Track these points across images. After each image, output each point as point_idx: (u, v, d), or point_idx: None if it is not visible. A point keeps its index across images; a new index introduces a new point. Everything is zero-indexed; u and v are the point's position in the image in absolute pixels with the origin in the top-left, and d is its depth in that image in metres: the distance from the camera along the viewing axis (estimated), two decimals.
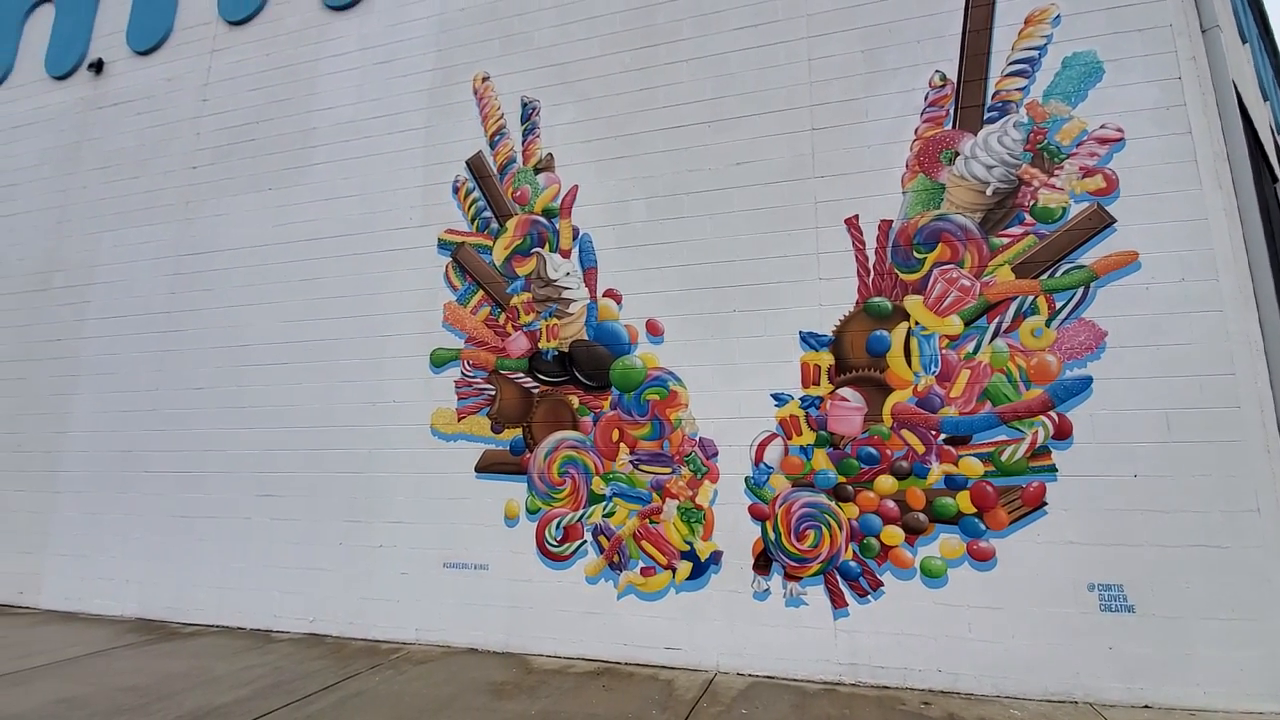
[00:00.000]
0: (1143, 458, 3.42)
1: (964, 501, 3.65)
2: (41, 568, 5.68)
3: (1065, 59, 3.89)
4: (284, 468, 5.08)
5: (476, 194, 5.01)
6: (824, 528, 3.86)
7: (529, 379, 4.63)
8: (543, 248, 4.76)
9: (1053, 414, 3.58)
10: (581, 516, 4.33)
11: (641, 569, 4.15)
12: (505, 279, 4.81)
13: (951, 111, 4.04)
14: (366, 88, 5.50)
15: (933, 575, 3.64)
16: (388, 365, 4.97)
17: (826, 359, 4.00)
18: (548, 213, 4.79)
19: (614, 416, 4.38)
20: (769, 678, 3.74)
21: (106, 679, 3.83)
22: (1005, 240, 3.81)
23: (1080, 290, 3.64)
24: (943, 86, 4.09)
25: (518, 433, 4.57)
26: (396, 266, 5.08)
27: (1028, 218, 3.79)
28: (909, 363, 3.86)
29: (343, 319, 5.14)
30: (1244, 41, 6.39)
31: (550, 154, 4.88)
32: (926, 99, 4.10)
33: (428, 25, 5.43)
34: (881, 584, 3.72)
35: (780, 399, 4.05)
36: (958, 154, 3.98)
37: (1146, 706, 3.22)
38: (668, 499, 4.17)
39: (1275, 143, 6.80)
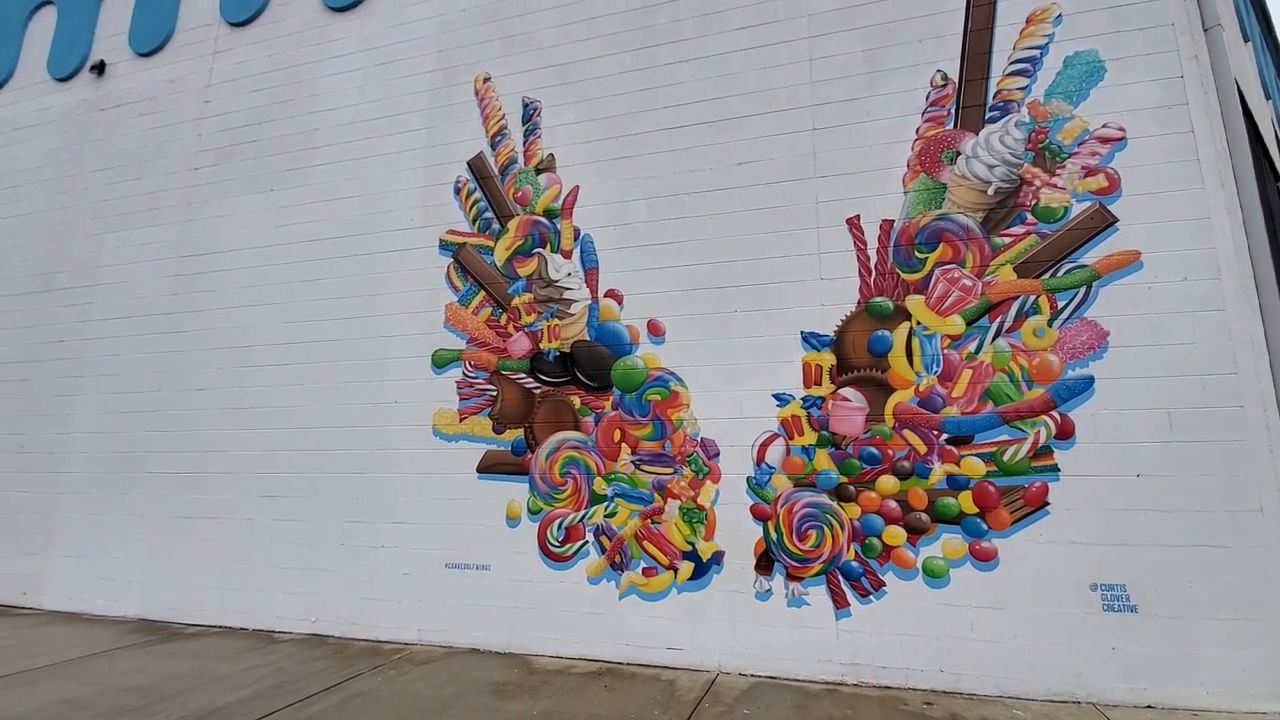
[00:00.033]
0: (1145, 457, 3.41)
1: (966, 501, 3.65)
2: (44, 569, 5.70)
3: (1067, 58, 3.88)
4: (286, 468, 5.09)
5: (478, 195, 5.01)
6: (826, 528, 3.85)
7: (530, 379, 4.63)
8: (544, 248, 4.76)
9: (1055, 414, 3.57)
10: (583, 517, 4.33)
11: (643, 569, 4.15)
12: (507, 280, 4.81)
13: (953, 111, 4.04)
14: (368, 89, 5.51)
15: (935, 575, 3.64)
16: (389, 366, 4.97)
17: (828, 359, 4.00)
18: (549, 213, 4.79)
19: (615, 417, 4.38)
20: (771, 678, 3.74)
21: (109, 679, 3.84)
22: (1007, 240, 3.81)
23: (1082, 290, 3.63)
24: (944, 86, 4.08)
25: (519, 433, 4.57)
26: (398, 267, 5.09)
27: (1029, 217, 3.79)
28: (911, 362, 3.85)
29: (344, 320, 5.15)
30: (1246, 40, 6.38)
31: (551, 154, 4.88)
32: (928, 98, 4.09)
33: (429, 26, 5.44)
34: (884, 584, 3.72)
35: (782, 399, 4.04)
36: (959, 153, 3.97)
37: (1149, 706, 3.21)
38: (669, 499, 4.17)
39: (1277, 141, 6.79)
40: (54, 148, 6.69)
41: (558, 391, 4.55)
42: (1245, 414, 3.32)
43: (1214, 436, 3.34)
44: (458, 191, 5.06)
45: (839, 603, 3.76)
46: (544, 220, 4.80)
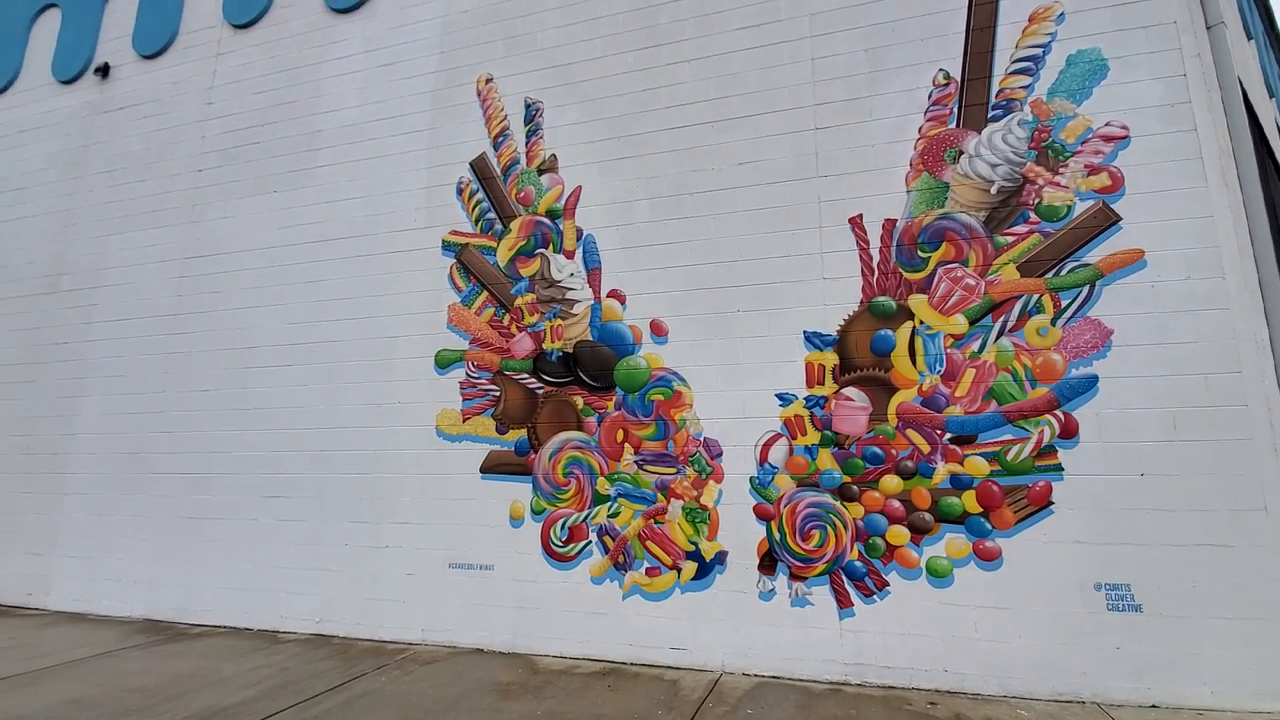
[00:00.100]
0: (1149, 457, 3.41)
1: (970, 501, 3.64)
2: (50, 569, 5.72)
3: (1069, 56, 3.87)
4: (290, 469, 5.10)
5: (480, 195, 5.02)
6: (829, 528, 3.85)
7: (533, 380, 4.64)
8: (547, 249, 4.76)
9: (1058, 413, 3.57)
10: (586, 517, 4.34)
11: (646, 569, 4.15)
12: (509, 280, 4.82)
13: (955, 110, 4.04)
14: (370, 90, 5.53)
15: (938, 575, 3.63)
16: (393, 366, 4.98)
17: (831, 359, 4.00)
18: (551, 214, 4.80)
19: (618, 417, 4.38)
20: (775, 678, 3.74)
21: (115, 680, 3.85)
22: (1010, 239, 3.80)
23: (1085, 288, 3.62)
24: (946, 85, 4.08)
25: (522, 433, 4.58)
26: (401, 268, 5.10)
27: (1032, 216, 3.78)
28: (914, 362, 3.85)
29: (348, 320, 5.16)
30: (1249, 38, 6.36)
31: (554, 155, 4.88)
32: (930, 97, 4.09)
33: (431, 27, 5.45)
34: (887, 584, 3.71)
35: (785, 399, 4.04)
36: (962, 152, 3.97)
37: (1154, 706, 3.21)
38: (672, 499, 4.17)
39: None
40: (58, 150, 6.72)
41: (561, 392, 4.56)
42: (1249, 413, 3.31)
43: (1218, 435, 3.33)
44: (460, 192, 5.07)
45: (842, 603, 3.76)
46: (546, 221, 4.80)
